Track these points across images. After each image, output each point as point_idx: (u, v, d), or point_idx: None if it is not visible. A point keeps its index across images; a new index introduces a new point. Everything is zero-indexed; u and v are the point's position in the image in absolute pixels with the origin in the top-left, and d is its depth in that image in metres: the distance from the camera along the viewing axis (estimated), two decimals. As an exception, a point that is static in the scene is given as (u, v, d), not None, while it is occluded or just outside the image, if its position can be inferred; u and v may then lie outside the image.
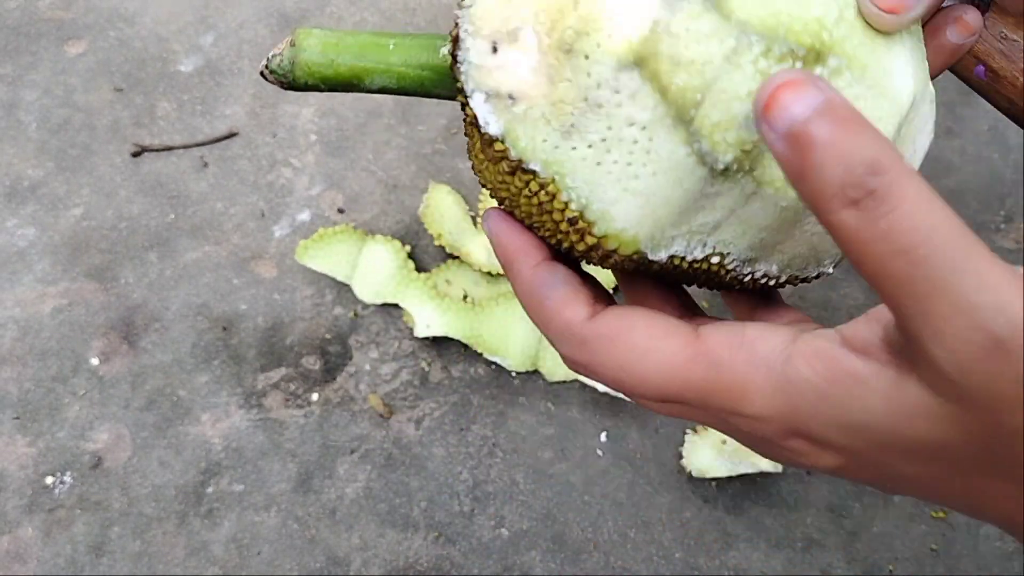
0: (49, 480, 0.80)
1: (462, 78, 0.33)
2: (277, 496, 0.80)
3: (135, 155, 0.98)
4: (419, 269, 0.91)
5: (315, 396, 0.85)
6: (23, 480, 0.80)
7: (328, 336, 0.88)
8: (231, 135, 1.00)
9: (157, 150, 0.98)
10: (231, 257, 0.92)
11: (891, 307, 0.27)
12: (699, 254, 0.34)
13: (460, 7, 0.33)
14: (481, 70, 0.32)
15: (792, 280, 0.37)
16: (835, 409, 0.29)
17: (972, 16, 0.38)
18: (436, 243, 0.90)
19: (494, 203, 0.90)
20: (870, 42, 0.32)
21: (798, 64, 0.31)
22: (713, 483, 0.81)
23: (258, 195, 0.96)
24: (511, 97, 0.32)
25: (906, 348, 0.27)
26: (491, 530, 0.79)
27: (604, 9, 0.30)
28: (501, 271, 0.87)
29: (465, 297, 0.88)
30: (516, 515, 0.79)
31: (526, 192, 0.33)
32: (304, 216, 0.95)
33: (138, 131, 1.00)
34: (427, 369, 0.86)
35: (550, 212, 0.33)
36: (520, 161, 0.32)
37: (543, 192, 0.33)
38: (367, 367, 0.86)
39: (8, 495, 0.79)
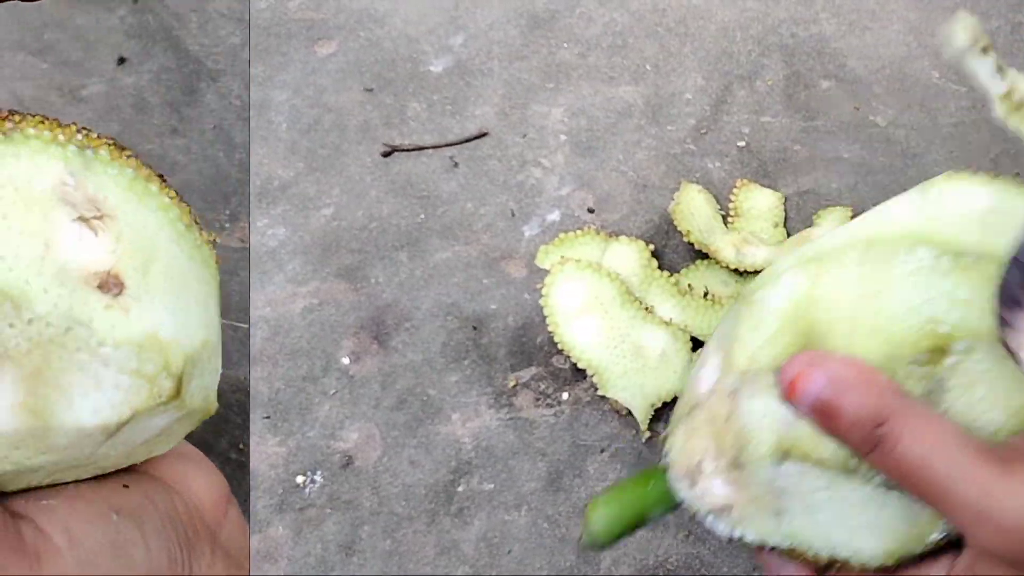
0: (300, 479, 0.79)
1: (693, 507, 0.42)
2: (527, 495, 0.78)
3: (385, 155, 0.98)
4: (667, 269, 0.88)
5: (565, 395, 0.83)
6: (274, 479, 0.79)
7: (582, 338, 0.85)
8: (481, 135, 0.99)
9: (407, 150, 0.98)
10: (481, 257, 0.91)
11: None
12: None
13: (664, 454, 0.43)
14: (697, 500, 0.41)
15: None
16: None
17: None
18: (685, 239, 0.88)
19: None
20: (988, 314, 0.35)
21: (926, 368, 0.36)
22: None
23: (508, 195, 0.95)
24: (725, 509, 0.40)
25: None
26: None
27: (746, 428, 0.38)
28: (749, 269, 0.86)
29: (706, 295, 0.85)
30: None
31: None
32: (554, 216, 0.93)
33: (388, 131, 1.00)
34: (690, 376, 0.81)
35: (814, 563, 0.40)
36: (762, 546, 0.40)
37: (799, 556, 0.40)
38: (623, 370, 0.83)
39: (259, 494, 0.79)
